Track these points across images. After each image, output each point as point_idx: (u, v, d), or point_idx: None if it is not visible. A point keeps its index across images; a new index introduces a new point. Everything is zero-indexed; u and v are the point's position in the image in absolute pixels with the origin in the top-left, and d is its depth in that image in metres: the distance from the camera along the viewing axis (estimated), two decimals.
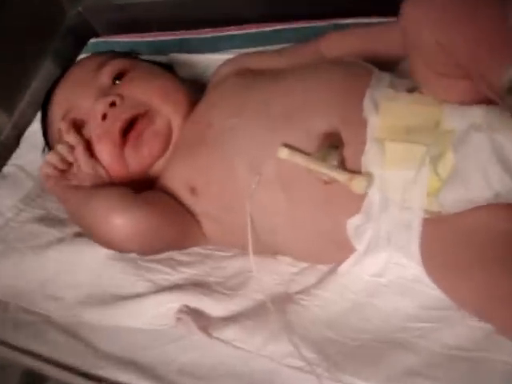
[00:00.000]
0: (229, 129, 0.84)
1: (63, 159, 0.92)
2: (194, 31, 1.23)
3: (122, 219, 0.82)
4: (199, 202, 0.86)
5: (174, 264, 0.87)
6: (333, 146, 0.75)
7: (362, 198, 0.74)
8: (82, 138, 0.92)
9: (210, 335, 0.78)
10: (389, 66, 0.89)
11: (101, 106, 0.91)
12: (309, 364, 0.72)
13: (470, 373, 0.69)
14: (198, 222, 0.88)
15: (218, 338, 0.78)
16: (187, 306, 0.80)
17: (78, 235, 0.93)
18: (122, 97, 0.92)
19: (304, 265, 0.84)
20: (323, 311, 0.79)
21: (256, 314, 0.79)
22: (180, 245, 0.89)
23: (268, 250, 0.83)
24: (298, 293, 0.81)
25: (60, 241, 0.93)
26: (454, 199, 0.69)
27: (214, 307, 0.81)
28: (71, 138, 0.92)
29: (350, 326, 0.77)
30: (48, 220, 0.98)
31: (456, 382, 0.69)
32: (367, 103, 0.77)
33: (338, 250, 0.79)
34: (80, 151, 0.91)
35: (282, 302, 0.80)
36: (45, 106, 1.01)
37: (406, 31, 0.69)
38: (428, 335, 0.73)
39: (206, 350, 0.78)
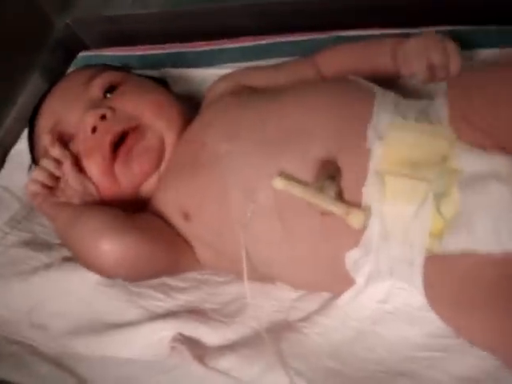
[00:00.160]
0: (223, 152, 0.82)
1: (50, 175, 0.90)
2: (188, 44, 1.23)
3: (110, 245, 0.81)
4: (192, 226, 0.85)
5: (167, 290, 0.85)
6: (330, 175, 0.74)
7: (360, 230, 0.73)
8: (70, 152, 0.90)
9: (205, 365, 0.75)
10: (390, 81, 0.90)
11: (91, 119, 0.90)
12: None
13: None
14: (191, 247, 0.86)
15: (213, 368, 0.75)
16: (182, 335, 0.78)
17: (67, 260, 0.90)
18: (113, 110, 0.91)
19: (304, 290, 0.82)
20: (325, 340, 0.76)
21: (253, 343, 0.76)
22: (172, 271, 0.87)
23: (265, 277, 0.82)
24: (298, 320, 0.79)
25: (47, 266, 0.90)
26: (458, 247, 0.68)
27: (209, 335, 0.79)
28: (57, 151, 0.90)
29: (353, 355, 0.75)
30: (35, 244, 0.95)
31: None
32: (371, 133, 0.75)
33: (338, 281, 0.77)
34: (67, 165, 0.89)
35: (281, 329, 0.78)
36: (32, 119, 0.99)
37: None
38: (436, 365, 0.71)
39: (202, 380, 0.75)
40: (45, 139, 0.92)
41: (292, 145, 0.78)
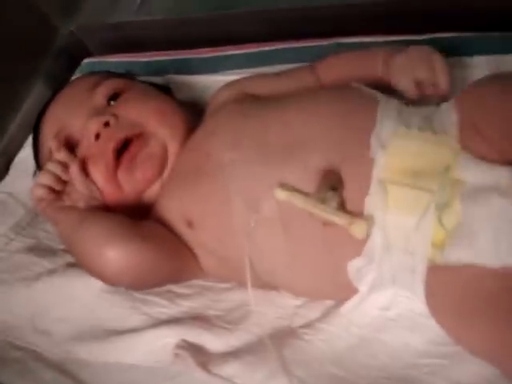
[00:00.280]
0: (226, 161, 0.82)
1: (56, 179, 0.90)
2: (192, 51, 1.22)
3: (115, 252, 0.80)
4: (196, 234, 0.84)
5: (171, 296, 0.85)
6: (332, 186, 0.73)
7: (363, 240, 0.72)
8: (76, 157, 0.90)
9: (209, 371, 0.75)
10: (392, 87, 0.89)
11: (94, 126, 0.90)
12: None
13: None
14: (194, 255, 0.86)
15: (217, 375, 0.75)
16: (185, 341, 0.78)
17: (70, 266, 0.90)
18: (116, 117, 0.91)
19: (307, 298, 0.82)
20: (328, 347, 0.76)
21: (257, 350, 0.76)
22: (175, 279, 0.87)
23: (268, 285, 0.82)
24: (301, 327, 0.79)
25: (51, 272, 0.90)
26: (459, 258, 0.68)
27: (213, 342, 0.78)
28: (62, 155, 0.90)
29: (356, 362, 0.74)
30: (39, 250, 0.95)
31: None
32: (374, 142, 0.75)
33: (341, 290, 0.77)
34: (75, 168, 0.88)
35: (284, 336, 0.77)
36: (36, 126, 0.99)
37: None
38: (437, 372, 0.71)
39: None
40: (50, 144, 0.92)
41: (294, 155, 0.78)
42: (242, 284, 0.80)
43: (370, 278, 0.74)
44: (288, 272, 0.79)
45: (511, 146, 0.71)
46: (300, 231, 0.76)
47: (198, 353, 0.76)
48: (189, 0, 1.23)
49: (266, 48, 1.17)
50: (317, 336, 0.77)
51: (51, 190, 0.90)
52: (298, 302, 0.81)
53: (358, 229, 0.71)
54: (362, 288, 0.75)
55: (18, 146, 1.13)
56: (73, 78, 1.21)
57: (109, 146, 0.88)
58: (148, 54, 1.25)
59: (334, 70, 0.94)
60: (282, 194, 0.74)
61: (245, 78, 1.00)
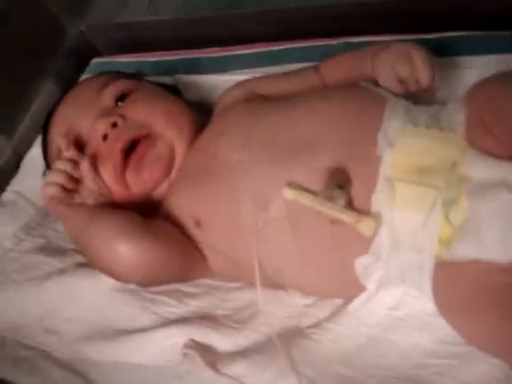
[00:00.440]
0: (235, 162, 0.82)
1: (69, 177, 0.89)
2: (201, 50, 1.22)
3: (127, 248, 0.80)
4: (204, 234, 0.85)
5: (180, 296, 0.85)
6: (340, 184, 0.73)
7: (370, 237, 0.72)
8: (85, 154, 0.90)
9: (217, 371, 0.75)
10: None
11: (102, 126, 0.90)
12: None
13: None
14: (202, 254, 0.86)
15: (225, 374, 0.75)
16: (194, 341, 0.78)
17: (80, 265, 0.90)
18: (124, 118, 0.91)
19: (316, 297, 0.82)
20: (336, 346, 0.76)
21: (265, 349, 0.76)
22: (183, 278, 0.87)
23: (276, 284, 0.82)
24: (309, 327, 0.79)
25: (61, 272, 0.90)
26: (466, 255, 0.68)
27: (221, 341, 0.79)
28: (72, 152, 0.89)
29: (365, 362, 0.74)
30: (49, 250, 0.95)
31: None
32: (381, 139, 0.75)
33: (349, 288, 0.77)
34: (86, 165, 0.88)
35: (293, 336, 0.77)
36: (45, 126, 1.00)
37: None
38: (446, 372, 0.71)
39: None
40: (59, 142, 0.91)
41: (303, 154, 0.78)
42: (250, 284, 0.80)
43: (377, 276, 0.74)
44: (296, 271, 0.79)
45: None
46: (308, 230, 0.76)
47: (207, 352, 0.77)
48: None
49: (275, 47, 1.16)
50: (325, 336, 0.77)
51: (63, 188, 0.89)
52: (307, 301, 0.81)
53: (365, 226, 0.71)
54: (370, 286, 0.75)
55: (28, 146, 1.13)
56: (82, 78, 1.22)
57: (116, 146, 0.89)
58: (157, 53, 1.25)
59: (334, 70, 0.94)
60: (289, 194, 0.74)
61: (254, 78, 1.01)
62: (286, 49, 1.16)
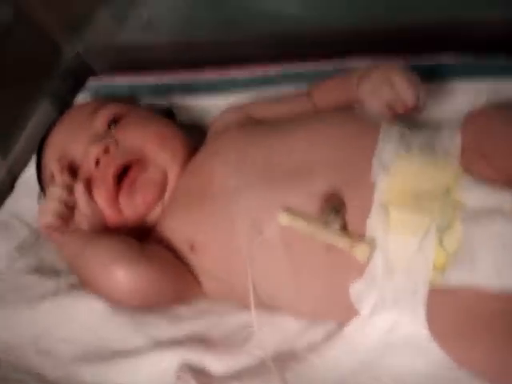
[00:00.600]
0: (229, 185, 0.82)
1: (64, 205, 0.90)
2: (197, 73, 1.22)
3: (125, 273, 0.81)
4: (198, 259, 0.85)
5: (174, 318, 0.85)
6: (335, 209, 0.74)
7: (365, 262, 0.73)
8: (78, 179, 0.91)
9: None
10: None
11: (94, 151, 0.91)
12: None
13: None
14: (196, 277, 0.86)
15: None
16: (187, 363, 0.77)
17: (74, 286, 0.89)
18: (116, 142, 0.92)
19: (310, 320, 0.81)
20: (330, 370, 0.76)
21: (259, 372, 0.76)
22: (178, 301, 0.87)
23: (271, 307, 0.81)
24: (303, 350, 0.78)
25: (55, 293, 0.89)
26: (459, 280, 0.69)
27: (215, 364, 0.78)
28: (65, 178, 0.90)
29: None
30: (43, 270, 0.94)
31: None
32: (376, 165, 0.75)
33: (344, 311, 0.77)
34: (81, 190, 0.89)
35: (287, 359, 0.77)
36: (39, 151, 1.00)
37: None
38: None
39: None
40: (52, 167, 0.92)
41: (297, 179, 0.78)
42: (244, 306, 0.80)
43: (371, 301, 0.74)
44: (291, 294, 0.79)
45: None
46: (302, 254, 0.76)
47: (200, 375, 0.76)
48: (195, 20, 1.23)
49: (272, 70, 1.16)
50: (319, 359, 0.77)
51: (58, 215, 0.90)
52: (301, 324, 0.81)
53: (359, 252, 0.71)
54: (364, 311, 0.75)
55: (23, 166, 1.13)
56: (78, 99, 1.22)
57: (108, 172, 0.89)
58: (152, 75, 1.24)
59: (326, 95, 0.95)
60: (285, 219, 0.74)
61: (249, 102, 1.02)
62: (282, 72, 1.16)
